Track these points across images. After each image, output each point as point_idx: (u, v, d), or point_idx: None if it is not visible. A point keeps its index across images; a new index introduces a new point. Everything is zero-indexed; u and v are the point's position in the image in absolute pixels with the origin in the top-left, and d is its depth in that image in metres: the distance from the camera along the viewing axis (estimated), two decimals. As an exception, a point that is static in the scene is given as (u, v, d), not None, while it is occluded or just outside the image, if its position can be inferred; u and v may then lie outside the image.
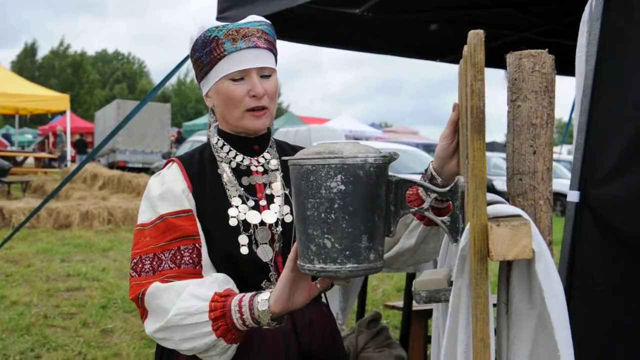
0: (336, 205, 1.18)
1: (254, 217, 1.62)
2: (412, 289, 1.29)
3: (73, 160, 21.30)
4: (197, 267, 1.55)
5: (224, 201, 1.63)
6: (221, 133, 1.72)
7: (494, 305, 1.23)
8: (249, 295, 1.43)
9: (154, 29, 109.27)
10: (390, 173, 1.26)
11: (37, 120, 33.84)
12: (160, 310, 1.47)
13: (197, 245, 1.56)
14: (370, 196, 1.20)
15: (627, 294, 1.67)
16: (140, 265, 1.56)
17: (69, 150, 21.56)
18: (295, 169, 1.24)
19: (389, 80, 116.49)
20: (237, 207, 1.62)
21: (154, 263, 1.54)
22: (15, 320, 5.24)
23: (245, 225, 1.61)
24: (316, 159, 1.20)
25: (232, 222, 1.60)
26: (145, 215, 1.62)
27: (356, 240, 1.20)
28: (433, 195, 1.28)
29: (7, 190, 13.87)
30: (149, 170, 19.86)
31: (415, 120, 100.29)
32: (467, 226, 1.08)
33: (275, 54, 1.69)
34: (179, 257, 1.54)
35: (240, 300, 1.42)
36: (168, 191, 1.61)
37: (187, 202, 1.60)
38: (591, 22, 1.79)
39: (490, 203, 1.14)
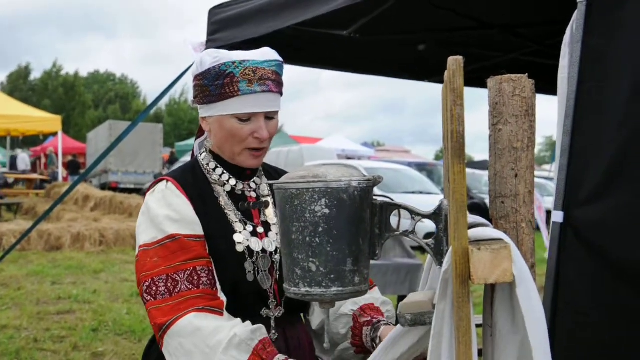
0: (320, 229, 1.19)
1: (256, 244, 1.64)
2: (398, 312, 1.30)
3: (65, 181, 21.22)
4: (214, 289, 1.53)
5: (228, 226, 1.63)
6: (214, 155, 1.72)
7: (480, 326, 1.24)
8: None
9: (150, 50, 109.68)
10: (379, 192, 1.27)
11: (29, 141, 33.77)
12: (181, 351, 1.44)
13: (210, 267, 1.55)
14: (355, 220, 1.21)
15: (611, 312, 1.68)
16: (154, 288, 1.50)
17: (61, 171, 21.48)
18: (280, 193, 1.25)
19: (390, 100, 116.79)
20: (240, 232, 1.63)
21: (169, 285, 1.50)
22: (5, 345, 5.18)
23: (249, 251, 1.62)
24: (300, 183, 1.21)
25: (239, 248, 1.61)
26: (147, 235, 1.57)
27: (341, 264, 1.20)
28: (418, 219, 1.29)
29: (-2, 213, 13.80)
30: (141, 191, 19.80)
31: (416, 139, 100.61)
32: (450, 249, 1.09)
33: (281, 95, 1.69)
34: (196, 278, 1.51)
35: None
36: (177, 214, 1.58)
37: (200, 229, 1.58)
38: (572, 45, 1.82)
39: (473, 226, 1.15)
